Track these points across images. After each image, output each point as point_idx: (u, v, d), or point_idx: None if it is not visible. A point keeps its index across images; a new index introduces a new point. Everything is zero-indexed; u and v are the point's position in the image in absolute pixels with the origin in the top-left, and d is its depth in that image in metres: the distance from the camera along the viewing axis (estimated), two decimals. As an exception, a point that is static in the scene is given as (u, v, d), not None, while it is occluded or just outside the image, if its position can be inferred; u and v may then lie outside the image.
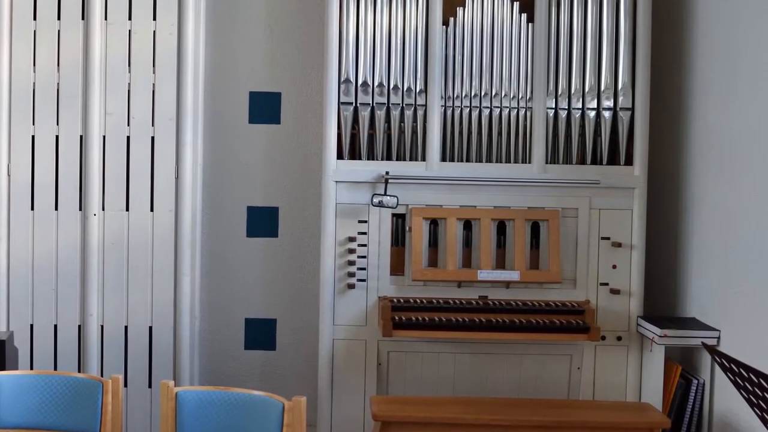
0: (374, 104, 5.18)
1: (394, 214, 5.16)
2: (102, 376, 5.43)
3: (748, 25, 4.52)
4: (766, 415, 2.88)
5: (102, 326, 5.52)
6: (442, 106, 5.19)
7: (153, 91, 5.48)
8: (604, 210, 5.16)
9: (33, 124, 5.48)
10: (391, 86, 5.18)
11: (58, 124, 5.48)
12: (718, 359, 3.03)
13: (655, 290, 5.42)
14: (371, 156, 5.20)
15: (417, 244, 5.09)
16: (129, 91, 5.49)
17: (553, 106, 5.20)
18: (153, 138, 5.50)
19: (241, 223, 5.86)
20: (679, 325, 4.90)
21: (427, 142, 5.18)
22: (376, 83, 5.17)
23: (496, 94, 5.20)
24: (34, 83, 5.47)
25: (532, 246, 5.16)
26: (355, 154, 5.20)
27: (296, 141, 5.85)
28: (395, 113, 5.18)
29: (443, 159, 5.20)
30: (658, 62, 5.33)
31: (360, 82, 5.17)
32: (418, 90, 5.19)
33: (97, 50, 5.46)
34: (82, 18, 5.45)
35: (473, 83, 5.20)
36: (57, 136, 5.49)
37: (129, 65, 5.48)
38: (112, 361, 5.52)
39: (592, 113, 5.17)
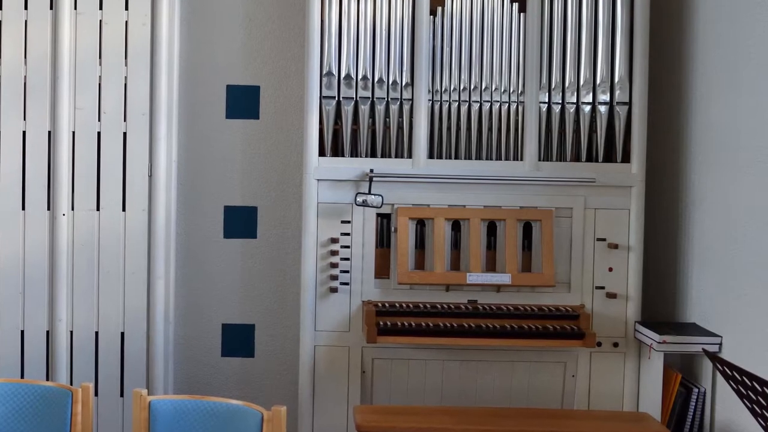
0: (358, 98, 5.10)
1: (378, 214, 5.08)
2: (71, 384, 5.36)
3: (751, 15, 4.44)
4: (770, 425, 2.86)
5: (71, 332, 5.43)
6: (429, 100, 5.12)
7: (125, 85, 5.40)
8: (600, 210, 5.09)
9: (-2, 119, 5.40)
10: (376, 79, 5.10)
11: (24, 120, 5.39)
12: (719, 367, 3.02)
13: (653, 294, 5.38)
14: (355, 153, 5.12)
15: (403, 246, 5.00)
16: (100, 84, 5.40)
17: (546, 100, 5.13)
18: (125, 134, 5.40)
19: (218, 224, 5.81)
20: (678, 330, 4.83)
21: (414, 138, 5.09)
22: (359, 76, 5.09)
23: (486, 87, 5.11)
24: (-1, 76, 5.40)
25: (524, 248, 5.09)
26: (337, 151, 5.13)
27: (276, 137, 5.80)
28: (380, 108, 5.10)
29: (430, 156, 5.12)
30: (656, 54, 5.29)
31: (343, 75, 5.09)
32: (404, 83, 5.11)
33: (66, 41, 5.37)
34: (51, 7, 5.37)
35: (462, 76, 5.12)
36: (24, 132, 5.39)
37: (100, 57, 5.39)
38: (82, 368, 5.43)
39: (588, 108, 5.10)
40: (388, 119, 5.09)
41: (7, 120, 5.34)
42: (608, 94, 5.07)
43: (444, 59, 5.11)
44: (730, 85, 4.63)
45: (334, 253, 5.04)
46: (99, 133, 5.37)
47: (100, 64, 5.36)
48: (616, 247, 5.04)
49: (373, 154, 5.10)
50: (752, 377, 2.81)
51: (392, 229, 5.05)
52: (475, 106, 5.08)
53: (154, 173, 5.39)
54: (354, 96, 5.07)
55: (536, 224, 5.04)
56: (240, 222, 5.78)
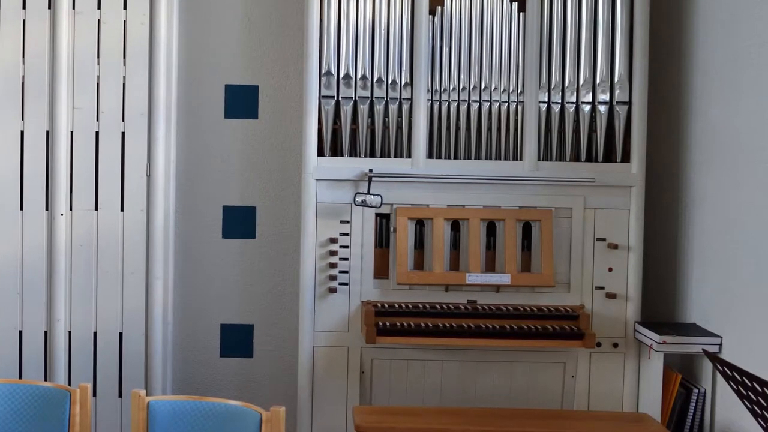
0: (357, 98, 5.06)
1: (378, 214, 5.05)
2: (69, 384, 5.34)
3: (751, 14, 4.42)
4: (770, 426, 2.85)
5: (70, 332, 5.41)
6: (428, 99, 5.09)
7: (123, 85, 5.37)
8: (600, 210, 5.07)
9: (-4, 118, 5.37)
10: (375, 79, 5.07)
11: (23, 119, 5.36)
12: (719, 367, 3.02)
13: (653, 294, 5.35)
14: (354, 153, 5.09)
15: (402, 246, 4.97)
16: (98, 84, 5.37)
17: (546, 100, 5.10)
18: (123, 134, 5.38)
19: (217, 224, 5.78)
20: (678, 331, 4.80)
21: (413, 138, 5.06)
22: (358, 76, 5.06)
23: (485, 87, 5.09)
24: (-3, 76, 5.37)
25: (523, 248, 5.06)
26: (336, 151, 5.10)
27: (275, 137, 5.77)
28: (379, 107, 5.06)
29: (430, 156, 5.09)
30: (656, 53, 5.26)
31: (342, 74, 5.06)
32: (403, 83, 5.08)
33: (64, 41, 5.34)
34: (49, 7, 5.34)
35: (461, 76, 5.09)
36: (22, 132, 5.36)
37: (98, 57, 5.37)
38: (81, 369, 5.41)
39: (587, 108, 5.07)
40: (387, 119, 5.06)
41: (5, 120, 5.31)
42: (608, 94, 5.04)
43: (443, 59, 5.07)
44: (730, 85, 4.60)
45: (333, 253, 5.01)
46: (97, 133, 5.34)
47: (99, 64, 5.34)
48: (615, 247, 5.01)
49: (372, 154, 5.07)
50: (752, 378, 2.80)
51: (391, 229, 5.02)
52: (475, 106, 5.06)
53: (153, 173, 5.37)
54: (353, 96, 5.03)
55: (536, 224, 5.01)
56: (239, 222, 5.74)
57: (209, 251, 5.76)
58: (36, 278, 5.36)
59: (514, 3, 5.06)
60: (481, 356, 5.03)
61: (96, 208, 5.36)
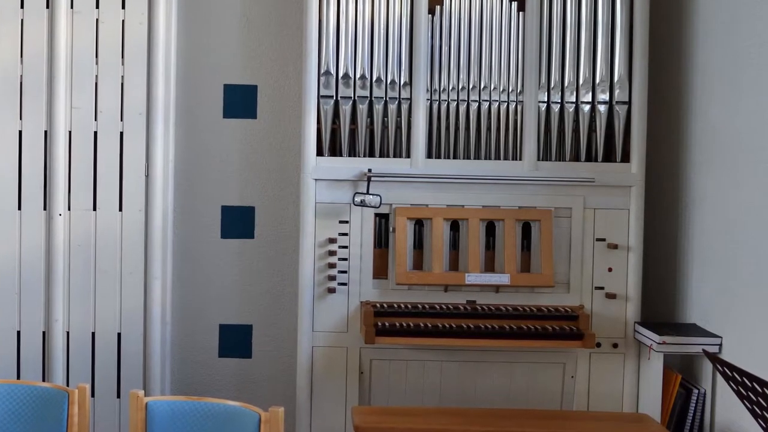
0: (356, 98, 5.05)
1: (377, 214, 5.04)
2: (68, 385, 5.32)
3: (751, 14, 4.41)
4: (770, 426, 2.84)
5: (68, 332, 5.40)
6: (427, 99, 5.08)
7: (122, 84, 5.36)
8: (600, 210, 5.06)
9: (-6, 118, 5.35)
10: (374, 78, 5.06)
11: (21, 119, 5.35)
12: (719, 367, 3.01)
13: (653, 295, 5.33)
14: (353, 152, 5.08)
15: (401, 246, 4.96)
16: (96, 83, 5.36)
17: (546, 99, 5.09)
18: (122, 133, 5.37)
19: (215, 224, 5.77)
20: (678, 331, 4.79)
21: (412, 137, 5.05)
22: (357, 75, 5.05)
23: (485, 87, 5.08)
24: (-5, 75, 5.35)
25: (523, 248, 5.05)
26: (335, 151, 5.09)
27: (273, 137, 5.76)
28: (378, 107, 5.05)
29: (429, 156, 5.08)
30: (656, 53, 5.25)
31: (341, 74, 5.05)
32: (402, 83, 5.07)
33: (62, 40, 5.33)
34: (47, 6, 5.33)
35: (461, 76, 5.08)
36: (20, 132, 5.35)
37: (96, 56, 5.36)
38: (79, 369, 5.40)
39: (587, 107, 5.06)
40: (386, 119, 5.04)
41: (3, 119, 5.30)
42: (608, 93, 5.03)
43: (442, 58, 5.06)
44: (730, 85, 4.59)
45: (332, 253, 4.99)
46: (96, 133, 5.33)
47: (97, 63, 5.33)
48: (615, 247, 5.00)
49: (372, 154, 5.05)
50: (752, 378, 2.80)
51: (390, 229, 5.01)
52: (474, 106, 5.05)
53: (151, 173, 5.35)
54: (352, 95, 5.02)
55: (535, 224, 5.00)
56: (237, 222, 5.73)
57: (208, 251, 5.74)
58: (34, 278, 5.35)
59: (513, 2, 5.05)
60: (480, 357, 5.02)
61: (94, 208, 5.35)
